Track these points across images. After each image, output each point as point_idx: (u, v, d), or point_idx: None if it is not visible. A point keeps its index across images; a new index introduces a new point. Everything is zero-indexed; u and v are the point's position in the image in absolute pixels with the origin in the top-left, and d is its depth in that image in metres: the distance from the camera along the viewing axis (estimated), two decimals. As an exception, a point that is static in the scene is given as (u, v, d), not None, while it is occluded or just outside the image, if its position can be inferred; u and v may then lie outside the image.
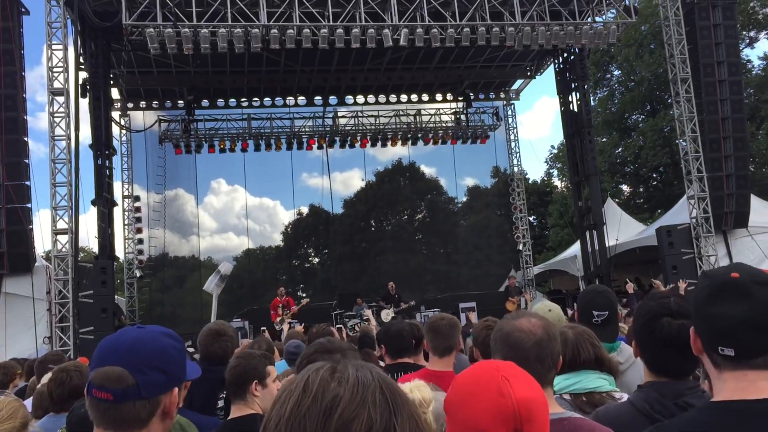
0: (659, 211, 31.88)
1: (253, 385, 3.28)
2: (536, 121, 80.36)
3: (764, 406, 1.57)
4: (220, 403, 4.08)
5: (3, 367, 6.39)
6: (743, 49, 32.86)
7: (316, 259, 32.68)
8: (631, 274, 22.28)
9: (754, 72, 33.51)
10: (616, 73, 39.20)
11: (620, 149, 37.42)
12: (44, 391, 4.04)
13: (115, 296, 17.41)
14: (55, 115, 14.02)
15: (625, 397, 2.77)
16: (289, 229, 31.82)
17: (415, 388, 2.27)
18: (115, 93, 20.09)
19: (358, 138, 24.16)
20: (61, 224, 13.79)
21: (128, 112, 22.45)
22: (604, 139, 37.33)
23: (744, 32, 33.02)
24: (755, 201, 18.21)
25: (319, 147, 24.04)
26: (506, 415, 1.46)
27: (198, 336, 4.54)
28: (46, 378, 4.63)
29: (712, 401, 1.67)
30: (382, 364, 4.58)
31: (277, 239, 31.77)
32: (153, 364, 1.72)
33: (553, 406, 2.18)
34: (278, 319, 17.73)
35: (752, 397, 1.58)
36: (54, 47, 14.24)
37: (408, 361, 4.35)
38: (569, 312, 10.87)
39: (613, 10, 17.87)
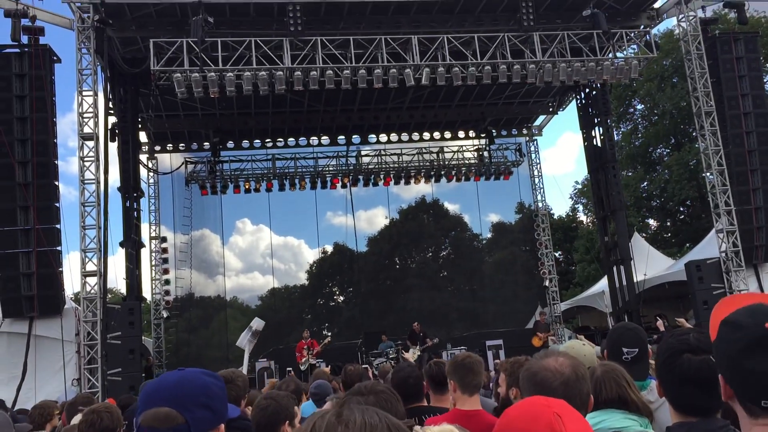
0: (687, 245, 31.46)
1: (285, 426, 3.28)
2: (560, 157, 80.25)
3: None
4: None
5: (41, 407, 6.41)
6: (767, 81, 32.66)
7: (341, 298, 32.69)
8: (661, 309, 21.94)
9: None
10: (639, 107, 39.15)
11: (646, 183, 37.14)
12: None
13: (143, 337, 17.53)
14: (85, 159, 14.31)
15: (658, 439, 2.72)
16: (313, 268, 31.91)
17: None
18: (143, 136, 20.52)
19: (382, 176, 24.28)
20: (90, 266, 13.97)
21: (155, 155, 22.85)
22: (629, 174, 37.11)
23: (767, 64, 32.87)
24: (786, 234, 17.91)
25: (343, 186, 24.19)
26: None
27: None
28: (76, 419, 4.66)
29: None
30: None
31: (302, 278, 31.89)
32: (199, 401, 1.77)
33: None
34: (303, 360, 17.70)
35: None
36: (84, 93, 14.60)
37: (420, 405, 4.32)
38: (597, 348, 10.69)
39: (634, 46, 17.93)
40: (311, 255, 31.53)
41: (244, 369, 15.08)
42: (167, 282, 22.21)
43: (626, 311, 18.68)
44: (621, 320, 18.88)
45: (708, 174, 17.98)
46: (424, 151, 24.76)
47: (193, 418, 1.73)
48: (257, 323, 16.58)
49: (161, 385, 1.83)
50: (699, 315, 16.44)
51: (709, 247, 18.66)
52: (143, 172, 20.76)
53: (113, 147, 16.70)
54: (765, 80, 28.51)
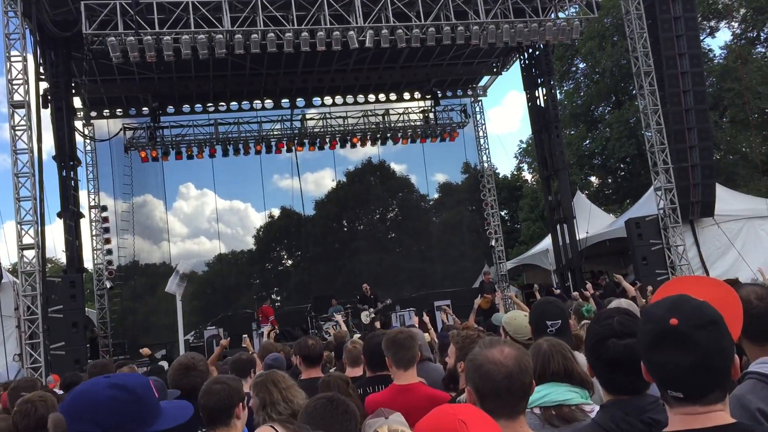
0: (627, 201, 32.30)
1: (239, 408, 3.25)
2: (505, 117, 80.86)
3: None
4: None
5: None
6: (704, 39, 33.43)
7: (290, 262, 32.53)
8: (602, 266, 22.57)
9: (715, 61, 34.07)
10: (581, 65, 39.60)
11: (588, 141, 37.80)
12: (2, 427, 3.99)
13: (86, 308, 17.17)
14: (17, 128, 13.74)
15: (596, 409, 2.80)
16: (261, 232, 31.63)
17: None
18: (77, 102, 19.77)
19: (327, 139, 24.08)
20: (27, 239, 13.53)
21: (92, 122, 22.12)
22: (571, 132, 37.69)
23: (705, 22, 33.57)
24: (721, 190, 18.52)
25: (288, 150, 23.90)
26: None
27: (169, 369, 4.48)
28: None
29: (667, 431, 1.70)
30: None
31: (250, 242, 31.58)
32: (84, 416, 1.76)
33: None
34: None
35: (702, 426, 1.62)
36: (13, 59, 13.96)
37: (387, 374, 4.36)
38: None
39: (576, 6, 18.04)
40: (258, 219, 31.23)
41: (180, 319, 14.92)
42: (109, 251, 21.72)
43: (569, 268, 19.14)
44: (564, 277, 19.37)
45: (647, 132, 18.38)
46: (369, 113, 24.60)
47: (74, 430, 1.75)
48: (184, 265, 16.31)
49: (72, 392, 1.86)
50: (638, 271, 16.99)
51: (648, 204, 19.19)
52: (79, 139, 20.04)
53: (46, 114, 16.12)
54: (702, 38, 29.21)
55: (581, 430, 2.43)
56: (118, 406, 1.79)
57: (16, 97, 13.83)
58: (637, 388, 2.27)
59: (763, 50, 34.83)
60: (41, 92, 15.73)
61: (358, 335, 11.24)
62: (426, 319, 9.09)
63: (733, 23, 35.33)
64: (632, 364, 2.22)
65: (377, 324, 16.54)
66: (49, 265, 26.29)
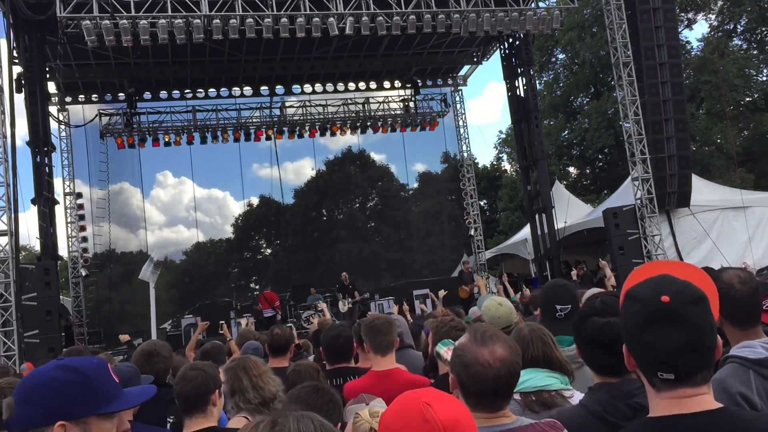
0: (605, 192, 32.58)
1: (215, 395, 3.20)
2: (486, 107, 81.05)
3: (699, 419, 1.59)
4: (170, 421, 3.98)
5: None
6: (682, 30, 33.70)
7: (269, 251, 32.45)
8: (580, 255, 22.73)
9: (693, 53, 34.40)
10: (560, 56, 39.77)
11: (566, 132, 38.02)
12: None
13: (61, 296, 16.96)
14: (-11, 112, 13.48)
15: (577, 395, 2.79)
16: (239, 221, 31.48)
17: (375, 415, 2.27)
18: (52, 87, 19.42)
19: (307, 128, 23.95)
20: (0, 226, 13.30)
21: (67, 107, 21.75)
22: (550, 122, 37.88)
23: (682, 14, 33.84)
24: (696, 180, 18.74)
25: (267, 138, 23.74)
26: None
27: (132, 356, 4.45)
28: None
29: (649, 417, 1.67)
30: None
31: (228, 231, 31.47)
32: (31, 398, 1.75)
33: (507, 416, 2.16)
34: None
35: (688, 411, 1.60)
36: (-15, 41, 13.68)
37: (347, 366, 4.35)
38: (519, 294, 11.02)
39: (556, -5, 18.06)
40: (237, 207, 31.10)
41: (152, 307, 14.82)
42: (85, 239, 21.46)
43: (547, 258, 19.25)
44: (543, 267, 19.48)
45: (625, 123, 18.50)
46: (349, 101, 24.50)
47: (20, 413, 1.74)
48: (157, 254, 16.25)
49: (24, 377, 1.87)
50: (615, 260, 17.12)
51: (626, 194, 19.35)
52: (54, 125, 19.74)
53: (20, 99, 15.79)
54: (680, 30, 29.41)
55: (567, 412, 2.43)
56: (63, 388, 1.76)
57: (-11, 81, 13.56)
58: (620, 369, 2.26)
59: (740, 43, 35.24)
60: (15, 76, 15.44)
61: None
62: (405, 308, 9.11)
63: (710, 15, 35.70)
64: (610, 342, 2.23)
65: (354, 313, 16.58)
66: (24, 253, 25.99)
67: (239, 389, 3.33)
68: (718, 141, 33.35)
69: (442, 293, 11.58)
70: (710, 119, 33.26)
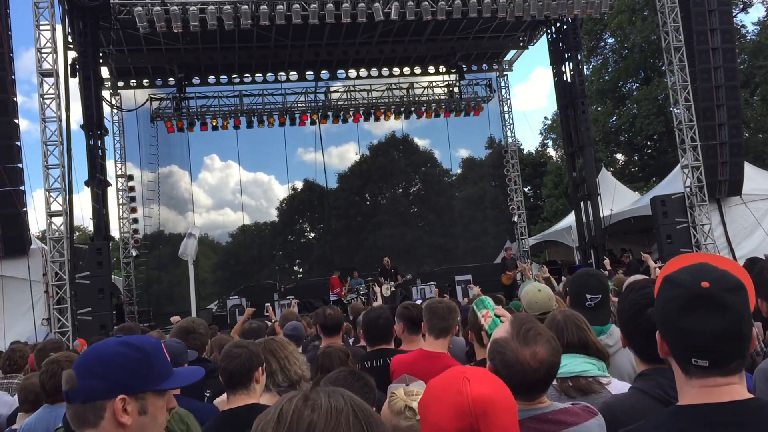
0: (654, 179, 31.92)
1: (258, 372, 3.30)
2: (532, 93, 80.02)
3: (729, 408, 1.59)
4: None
5: (18, 350, 6.37)
6: (737, 14, 32.68)
7: (312, 234, 32.71)
8: (626, 244, 22.41)
9: (748, 38, 33.33)
10: (609, 40, 38.95)
11: (614, 118, 37.30)
12: (28, 385, 4.11)
13: (112, 276, 17.46)
14: (45, 96, 13.90)
15: (614, 382, 2.80)
16: (284, 205, 31.81)
17: (413, 396, 2.34)
18: (105, 72, 19.92)
19: (351, 112, 24.04)
20: (55, 206, 13.76)
21: (119, 91, 22.30)
22: (598, 108, 37.19)
23: (738, -3, 32.80)
24: (749, 168, 18.22)
25: (312, 122, 23.93)
26: (462, 411, 1.52)
27: (170, 332, 4.59)
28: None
29: (679, 405, 1.67)
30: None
31: (273, 214, 31.83)
32: (94, 371, 1.82)
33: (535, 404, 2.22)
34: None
35: (719, 400, 1.59)
36: (42, 27, 14.07)
37: (387, 347, 4.41)
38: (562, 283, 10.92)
39: (606, -21, 17.68)
40: (282, 191, 31.44)
41: (192, 285, 15.06)
42: (135, 220, 22.01)
43: (592, 245, 19.03)
44: (587, 255, 19.26)
45: (675, 109, 18.10)
46: (393, 86, 24.46)
47: (82, 385, 1.80)
48: (196, 229, 16.49)
49: (85, 350, 1.94)
50: (662, 249, 16.84)
51: (675, 182, 18.95)
52: (107, 109, 20.26)
53: (74, 83, 16.26)
54: (734, 13, 28.55)
55: (627, 400, 2.41)
56: (125, 363, 1.85)
57: (45, 66, 13.97)
58: None
59: (798, 27, 33.98)
60: (69, 61, 15.88)
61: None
62: (377, 289, 9.17)
63: (767, -1, 34.47)
64: None
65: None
66: (77, 233, 26.73)
67: (269, 372, 3.40)
68: (773, 128, 32.34)
69: (476, 289, 11.51)
70: (765, 106, 32.22)
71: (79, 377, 1.80)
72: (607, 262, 13.74)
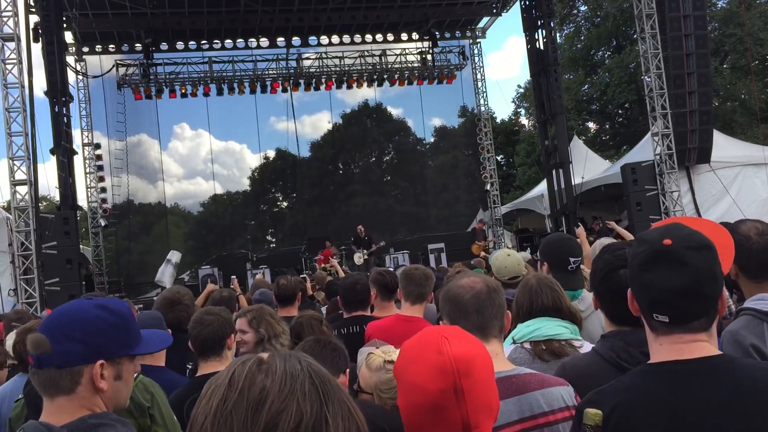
0: (625, 147, 32.22)
1: (231, 339, 3.28)
2: (506, 61, 79.81)
3: (697, 364, 1.60)
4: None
5: None
6: (708, -18, 32.74)
7: (285, 203, 32.57)
8: (597, 211, 22.63)
9: (719, 5, 33.51)
10: (582, 8, 38.92)
11: (586, 86, 37.44)
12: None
13: (81, 246, 17.20)
14: (7, 61, 13.46)
15: (586, 345, 2.80)
16: (256, 174, 31.56)
17: (389, 352, 2.33)
18: (69, 37, 19.37)
19: (323, 80, 23.76)
20: (20, 175, 13.42)
21: (84, 57, 21.70)
22: (570, 77, 37.28)
23: (709, -35, 32.87)
24: (718, 136, 18.41)
25: (284, 90, 23.64)
26: (444, 370, 1.49)
27: (154, 304, 4.52)
28: (10, 338, 4.57)
29: (649, 363, 1.69)
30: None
31: (245, 184, 31.59)
32: (72, 335, 1.74)
33: (503, 364, 2.20)
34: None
35: (686, 357, 1.61)
36: (1, -10, 13.58)
37: (363, 314, 4.41)
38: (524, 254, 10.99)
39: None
40: (254, 160, 31.17)
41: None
42: (103, 189, 21.65)
43: (564, 213, 19.16)
44: (558, 222, 19.42)
45: (646, 77, 18.17)
46: (366, 54, 24.21)
47: (59, 349, 1.72)
48: (175, 256, 16.38)
49: (53, 313, 1.83)
50: (632, 216, 17.03)
51: (645, 150, 19.10)
52: (71, 75, 19.74)
53: (37, 48, 15.79)
54: (706, -18, 28.58)
55: (581, 362, 2.44)
56: (105, 327, 1.79)
57: (6, 30, 13.50)
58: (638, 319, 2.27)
59: (768, -5, 34.22)
60: (32, 26, 15.40)
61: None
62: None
63: (738, -34, 34.60)
64: None
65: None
66: (44, 203, 26.30)
67: (274, 335, 3.42)
68: (742, 96, 32.69)
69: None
70: (734, 74, 32.54)
71: (55, 341, 1.72)
72: (580, 230, 13.83)
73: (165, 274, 15.47)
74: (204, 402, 0.97)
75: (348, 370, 2.72)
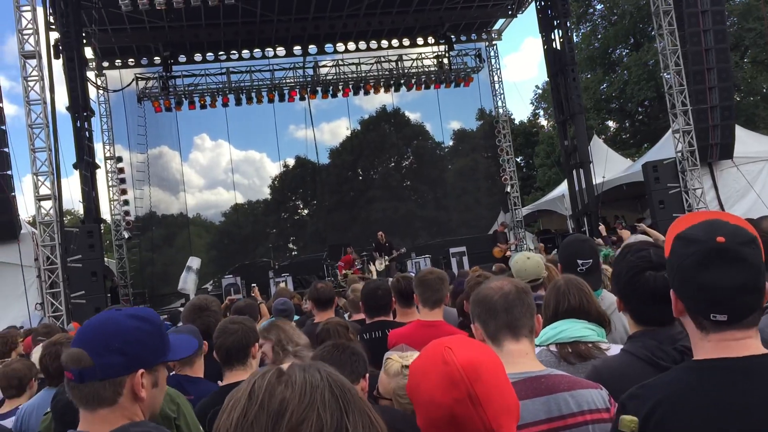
0: (645, 145, 31.92)
1: (255, 348, 3.29)
2: (523, 62, 79.59)
3: (747, 362, 1.57)
4: None
5: (3, 336, 6.34)
6: (726, -24, 32.39)
7: (305, 211, 32.72)
8: (619, 210, 22.44)
9: (737, 0, 33.11)
10: (598, 7, 38.68)
11: (605, 85, 37.16)
12: (8, 372, 4.08)
13: (105, 259, 17.38)
14: (29, 78, 13.66)
15: (613, 348, 2.77)
16: (276, 182, 31.72)
17: (406, 357, 2.33)
18: (89, 53, 19.62)
19: (341, 87, 23.83)
20: (44, 190, 13.59)
21: (104, 72, 22.00)
22: (588, 76, 37.03)
23: (727, -41, 32.51)
24: (740, 131, 18.18)
25: (302, 98, 23.73)
26: (454, 380, 1.48)
27: (182, 311, 4.55)
28: (36, 351, 4.62)
29: (696, 360, 1.66)
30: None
31: (266, 192, 31.78)
32: (112, 346, 1.75)
33: (534, 364, 2.19)
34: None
35: (736, 354, 1.58)
36: (22, 9, 13.76)
37: (386, 319, 4.39)
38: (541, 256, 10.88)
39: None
40: (274, 169, 31.35)
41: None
42: (126, 202, 21.87)
43: (585, 213, 19.03)
44: (580, 223, 19.28)
45: (665, 74, 17.99)
46: (382, 59, 24.25)
47: (101, 362, 1.73)
48: (195, 261, 16.46)
49: (86, 325, 1.83)
50: (655, 215, 16.86)
51: (666, 148, 18.92)
52: (92, 90, 20.02)
53: (58, 65, 16.00)
54: (724, -24, 28.26)
55: (614, 362, 2.40)
56: (143, 336, 1.81)
57: (27, 47, 13.71)
58: (669, 319, 2.24)
59: (788, -13, 33.74)
60: (52, 42, 15.62)
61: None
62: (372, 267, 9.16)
63: (756, -41, 34.17)
64: (668, 295, 2.19)
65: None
66: (68, 217, 26.61)
67: (287, 339, 3.43)
68: (764, 90, 32.28)
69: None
70: (755, 68, 32.15)
71: (95, 354, 1.73)
72: (602, 228, 13.72)
73: (188, 282, 15.60)
74: (225, 416, 0.97)
75: (368, 375, 2.71)
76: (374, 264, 18.46)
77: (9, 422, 3.89)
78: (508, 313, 2.19)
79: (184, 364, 3.56)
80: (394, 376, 2.40)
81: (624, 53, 37.62)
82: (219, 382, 4.00)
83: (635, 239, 4.84)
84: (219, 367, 3.96)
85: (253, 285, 10.27)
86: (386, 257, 18.49)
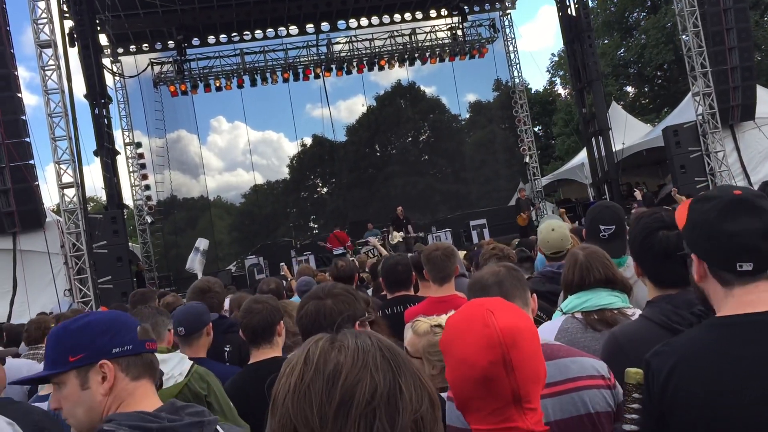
0: (666, 110, 31.46)
1: (280, 326, 3.34)
2: (539, 31, 78.53)
3: None
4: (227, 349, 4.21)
5: (36, 322, 6.47)
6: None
7: (325, 189, 32.78)
8: (640, 177, 22.22)
9: (756, -43, 32.36)
10: (614, -30, 37.96)
11: (622, 50, 36.62)
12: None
13: (129, 244, 17.61)
14: (46, 68, 13.75)
15: (638, 312, 2.79)
16: (294, 162, 31.79)
17: (435, 319, 2.42)
18: (103, 39, 19.70)
19: (355, 63, 23.73)
20: (66, 178, 13.76)
21: (119, 58, 22.10)
22: (605, 41, 36.49)
23: None
24: (761, 92, 17.85)
25: (316, 76, 23.66)
26: (492, 343, 1.50)
27: (187, 294, 4.69)
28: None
29: (717, 316, 1.67)
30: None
31: (284, 172, 31.88)
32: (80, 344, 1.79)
33: None
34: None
35: (758, 309, 1.58)
36: (36, -2, 13.85)
37: (407, 294, 4.42)
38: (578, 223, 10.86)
39: None
40: (291, 148, 31.41)
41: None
42: (147, 187, 22.09)
43: (606, 181, 18.89)
44: (601, 191, 19.15)
45: (684, 36, 17.70)
46: (396, 34, 24.08)
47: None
48: (203, 243, 16.59)
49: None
50: (677, 179, 16.70)
51: (687, 111, 18.66)
52: (108, 77, 20.11)
53: (74, 53, 16.11)
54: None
55: (631, 328, 2.41)
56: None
57: (43, 37, 13.79)
58: (686, 279, 2.25)
59: (809, -59, 32.89)
60: (67, 31, 15.69)
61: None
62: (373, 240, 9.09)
63: None
64: (681, 252, 2.21)
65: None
66: (92, 204, 26.94)
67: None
68: (785, 49, 31.63)
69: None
70: (776, 26, 31.48)
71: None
72: (637, 193, 13.58)
73: (195, 262, 15.76)
74: (283, 381, 1.02)
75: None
76: (388, 239, 18.46)
77: (46, 405, 3.98)
78: (499, 285, 2.31)
79: (183, 345, 3.66)
80: (423, 334, 2.45)
81: (641, 16, 36.99)
82: (226, 356, 4.11)
83: (641, 210, 4.80)
84: (218, 341, 4.08)
85: (282, 264, 10.38)
86: (402, 233, 18.47)
